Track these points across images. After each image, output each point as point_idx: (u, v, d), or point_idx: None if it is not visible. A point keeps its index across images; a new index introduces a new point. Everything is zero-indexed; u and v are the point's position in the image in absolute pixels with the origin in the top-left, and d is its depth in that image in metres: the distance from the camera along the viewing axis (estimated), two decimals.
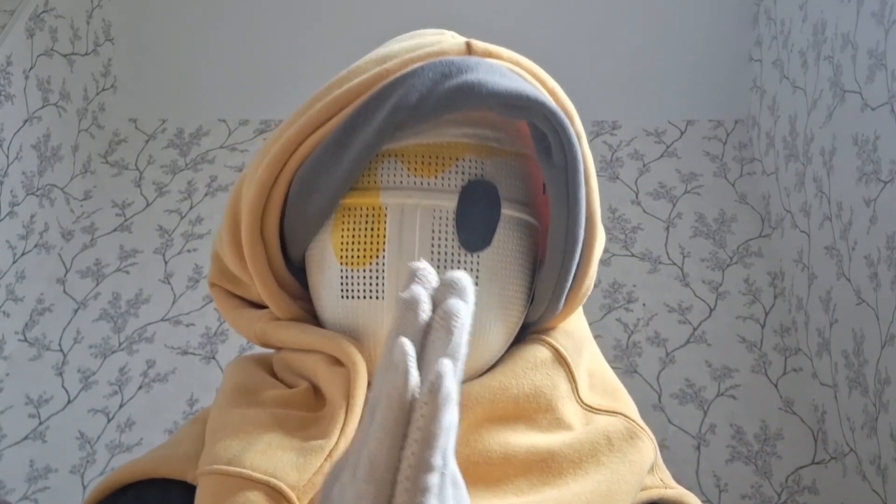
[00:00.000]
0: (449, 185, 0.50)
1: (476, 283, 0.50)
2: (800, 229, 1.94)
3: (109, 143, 2.44)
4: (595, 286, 2.06)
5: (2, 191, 1.95)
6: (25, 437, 1.87)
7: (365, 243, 0.50)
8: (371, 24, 2.25)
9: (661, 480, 0.53)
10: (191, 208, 2.27)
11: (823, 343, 1.78)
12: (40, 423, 1.89)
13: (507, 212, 0.52)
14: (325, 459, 0.45)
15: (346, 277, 0.51)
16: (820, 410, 1.80)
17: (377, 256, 0.50)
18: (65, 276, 2.15)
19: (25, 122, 2.03)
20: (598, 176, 2.28)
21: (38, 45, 2.08)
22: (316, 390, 0.51)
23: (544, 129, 0.48)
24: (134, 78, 2.46)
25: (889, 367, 1.48)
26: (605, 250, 2.13)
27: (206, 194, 2.30)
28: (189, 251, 2.18)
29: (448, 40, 0.54)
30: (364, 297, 0.50)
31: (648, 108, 2.38)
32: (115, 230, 2.24)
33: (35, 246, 2.09)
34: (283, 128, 0.53)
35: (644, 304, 2.03)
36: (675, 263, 2.10)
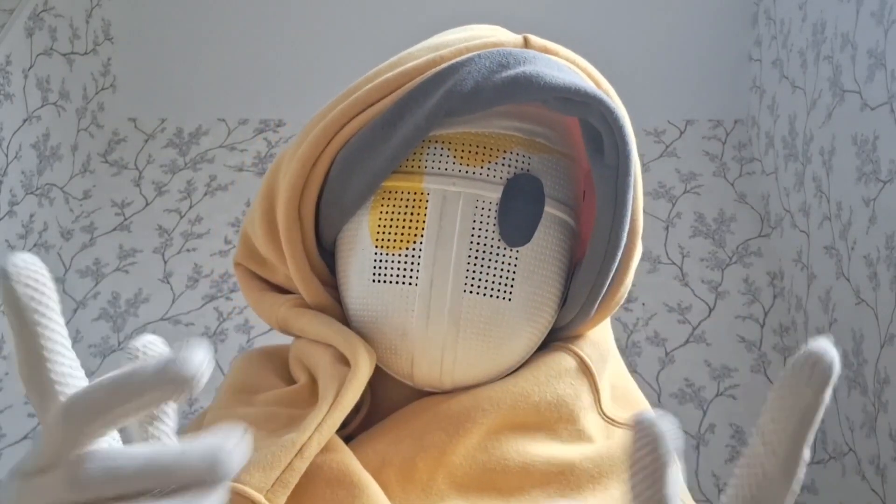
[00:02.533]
0: (495, 176, 0.49)
1: (513, 280, 0.49)
2: (799, 229, 1.94)
3: (109, 142, 2.44)
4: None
5: (1, 190, 1.95)
6: (25, 437, 1.87)
7: (403, 227, 0.49)
8: (371, 24, 2.25)
9: (682, 502, 0.52)
10: (190, 208, 2.27)
11: None
12: (39, 424, 1.89)
13: (549, 210, 0.50)
14: (296, 456, 0.43)
15: (380, 261, 0.49)
16: None
17: (414, 242, 0.48)
18: (64, 275, 2.15)
19: (25, 121, 2.03)
20: None
21: (37, 44, 2.08)
22: (315, 386, 0.50)
23: (599, 126, 0.47)
24: (133, 77, 2.45)
25: (888, 366, 1.48)
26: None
27: (205, 194, 2.30)
28: (188, 251, 2.18)
29: (503, 33, 0.53)
30: (396, 282, 0.49)
31: (648, 107, 2.38)
32: (114, 230, 2.24)
33: (34, 245, 2.09)
34: (328, 107, 0.52)
35: (643, 304, 2.03)
36: (674, 263, 2.10)
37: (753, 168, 2.27)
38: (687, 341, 1.96)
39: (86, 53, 2.30)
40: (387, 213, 0.50)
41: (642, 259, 2.11)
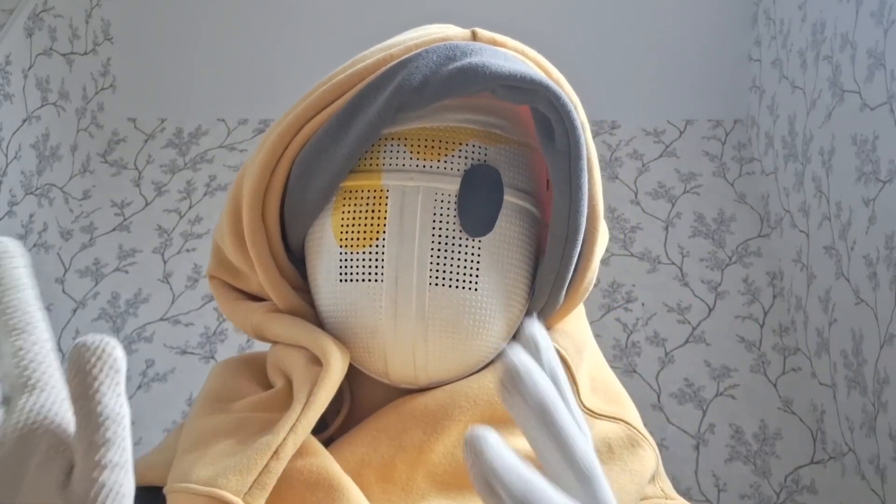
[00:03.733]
0: (452, 168, 0.50)
1: (477, 270, 0.49)
2: (799, 229, 1.94)
3: (108, 142, 2.44)
4: (594, 286, 2.06)
5: (1, 190, 1.95)
6: None
7: (365, 225, 0.49)
8: (371, 24, 2.25)
9: (662, 490, 0.52)
10: (190, 208, 2.27)
11: (822, 343, 1.78)
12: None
13: (509, 198, 0.51)
14: (272, 458, 0.42)
15: (346, 260, 0.50)
16: (819, 410, 1.80)
17: (377, 239, 0.49)
18: (63, 275, 2.15)
19: (24, 121, 2.03)
20: None
21: (36, 44, 2.08)
22: (292, 390, 0.50)
23: (548, 113, 0.48)
24: (133, 77, 2.45)
25: (888, 366, 1.48)
26: (604, 250, 2.13)
27: (205, 194, 2.30)
28: (188, 251, 2.18)
29: (453, 30, 0.54)
30: (363, 280, 0.49)
31: (647, 107, 2.38)
32: (114, 230, 2.24)
33: (34, 245, 2.09)
34: (285, 114, 0.53)
35: (643, 304, 2.03)
36: (674, 263, 2.10)
37: (753, 168, 2.27)
38: (687, 341, 1.96)
39: (85, 53, 2.30)
40: (349, 212, 0.50)
41: (642, 259, 2.11)
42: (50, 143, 2.15)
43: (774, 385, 1.88)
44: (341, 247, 0.50)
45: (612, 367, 1.67)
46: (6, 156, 1.96)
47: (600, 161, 2.32)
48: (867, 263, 1.57)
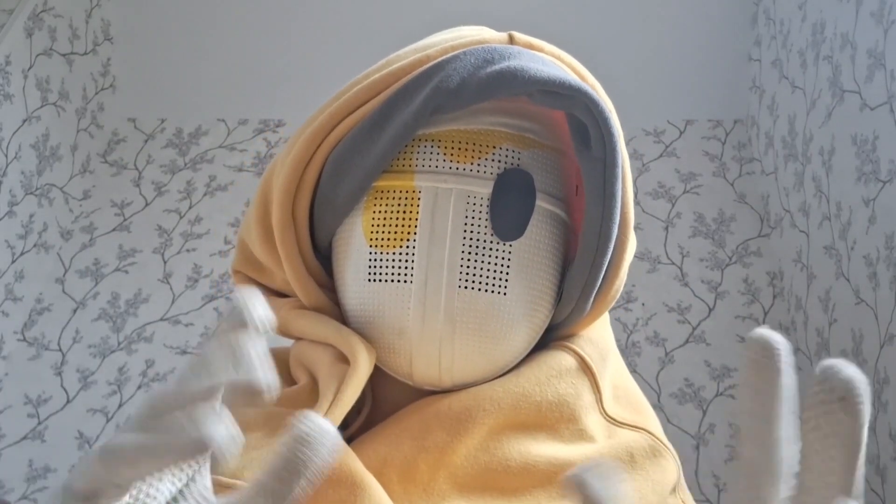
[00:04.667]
0: (485, 171, 0.50)
1: (507, 275, 0.49)
2: (799, 229, 1.94)
3: (108, 142, 2.44)
4: None
5: (1, 190, 1.95)
6: (24, 437, 1.87)
7: (396, 226, 0.49)
8: (371, 25, 2.25)
9: (683, 502, 0.52)
10: (190, 208, 2.27)
11: (822, 343, 1.78)
12: (39, 423, 1.89)
13: (541, 203, 0.51)
14: None
15: (375, 260, 0.49)
16: None
17: (408, 239, 0.49)
18: (64, 275, 2.15)
19: (24, 121, 2.03)
20: None
21: (36, 44, 2.08)
22: (316, 386, 0.50)
23: (585, 119, 0.47)
24: (133, 77, 2.45)
25: (888, 366, 1.48)
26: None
27: (205, 194, 2.30)
28: (188, 251, 2.18)
29: (489, 32, 0.54)
30: (392, 281, 0.49)
31: (647, 107, 2.38)
32: (114, 230, 2.24)
33: (34, 245, 2.09)
34: (318, 111, 0.53)
35: (643, 304, 2.03)
36: (674, 263, 2.10)
37: (753, 168, 2.27)
38: (687, 341, 1.96)
39: (85, 54, 2.30)
40: (380, 212, 0.50)
41: (642, 259, 2.11)
42: (50, 143, 2.15)
43: None
44: (371, 246, 0.50)
45: None
46: (6, 156, 1.96)
47: None
48: (867, 263, 1.57)
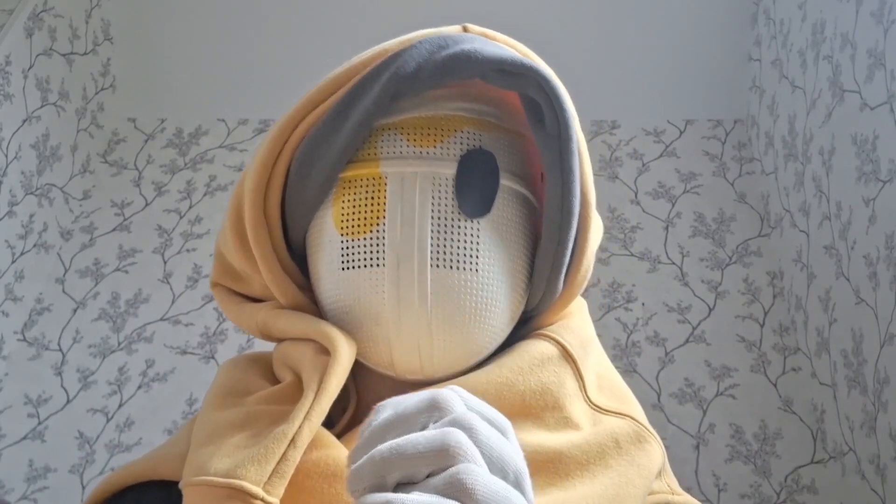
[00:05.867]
0: (448, 153, 0.51)
1: (477, 251, 0.50)
2: (799, 229, 1.94)
3: (108, 142, 2.44)
4: (594, 285, 2.06)
5: (1, 190, 1.95)
6: (24, 437, 1.87)
7: (365, 212, 0.50)
8: (371, 25, 2.24)
9: (669, 486, 0.52)
10: (190, 208, 2.27)
11: (822, 342, 1.78)
12: (39, 423, 1.89)
13: (505, 182, 0.52)
14: (289, 446, 0.43)
15: (347, 247, 0.50)
16: (819, 410, 1.80)
17: (377, 224, 0.50)
18: (64, 275, 2.15)
19: (24, 121, 2.03)
20: (597, 175, 2.28)
21: (36, 44, 2.07)
22: (301, 383, 0.50)
23: (538, 97, 0.49)
24: (133, 77, 2.45)
25: (888, 366, 1.48)
26: (605, 249, 2.13)
27: (205, 194, 2.30)
28: (188, 251, 2.18)
29: (445, 27, 0.55)
30: (365, 266, 0.49)
31: (647, 107, 2.38)
32: (114, 230, 2.24)
33: (34, 245, 2.09)
34: (284, 113, 0.54)
35: (643, 304, 2.03)
36: (674, 263, 2.10)
37: (753, 168, 2.27)
38: (687, 341, 1.96)
39: (85, 54, 2.30)
40: (349, 201, 0.51)
41: (642, 259, 2.11)
42: (50, 143, 2.15)
43: (774, 385, 1.88)
44: (342, 235, 0.51)
45: None
46: (6, 156, 1.96)
47: (601, 161, 2.32)
48: (867, 263, 1.57)
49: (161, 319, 2.06)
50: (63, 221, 2.22)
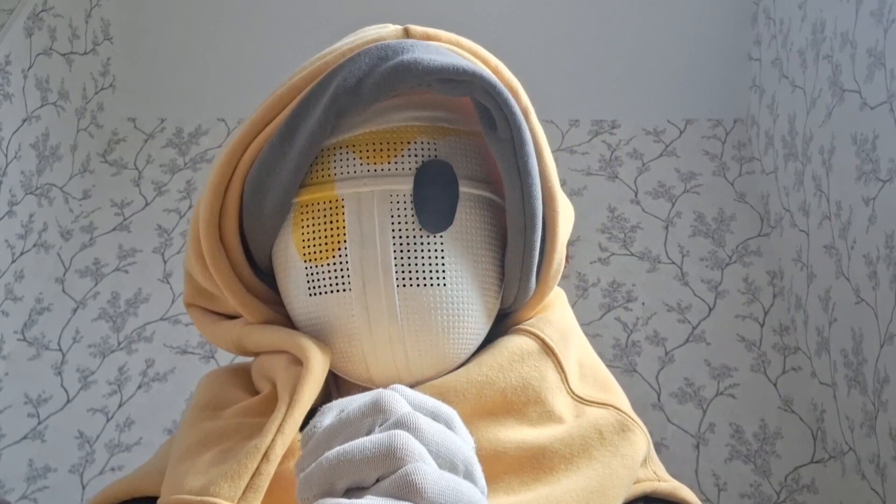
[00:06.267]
0: (403, 168, 0.50)
1: (443, 265, 0.49)
2: (799, 228, 1.94)
3: (108, 142, 2.44)
4: (594, 285, 2.06)
5: (1, 190, 1.95)
6: (24, 437, 1.87)
7: (326, 237, 0.49)
8: (371, 23, 2.24)
9: (655, 473, 0.52)
10: (190, 207, 2.27)
11: (822, 342, 1.78)
12: (39, 423, 1.89)
13: (465, 189, 0.51)
14: (262, 460, 0.43)
15: (312, 274, 0.50)
16: (819, 409, 1.80)
17: (339, 249, 0.49)
18: (64, 275, 2.15)
19: (24, 121, 2.03)
20: (597, 175, 2.28)
21: (36, 44, 2.07)
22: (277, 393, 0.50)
23: (486, 102, 0.48)
24: (133, 77, 2.45)
25: (888, 365, 1.48)
26: (605, 249, 2.13)
27: None
28: None
29: (387, 29, 0.55)
30: (331, 292, 0.49)
31: (647, 107, 2.38)
32: (114, 229, 2.24)
33: (34, 245, 2.09)
34: (231, 135, 0.53)
35: (643, 304, 2.03)
36: (674, 262, 2.10)
37: (753, 167, 2.27)
38: (687, 341, 1.96)
39: (85, 53, 2.30)
40: (308, 227, 0.50)
41: (642, 258, 2.11)
42: (50, 143, 2.15)
43: (774, 384, 1.88)
44: (306, 261, 0.50)
45: (611, 366, 1.67)
46: (6, 156, 1.96)
47: (601, 161, 2.31)
48: (867, 263, 1.57)
49: (161, 319, 2.06)
50: (63, 221, 2.22)
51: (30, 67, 2.05)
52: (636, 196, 2.23)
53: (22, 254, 2.04)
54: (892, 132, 1.50)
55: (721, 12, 2.24)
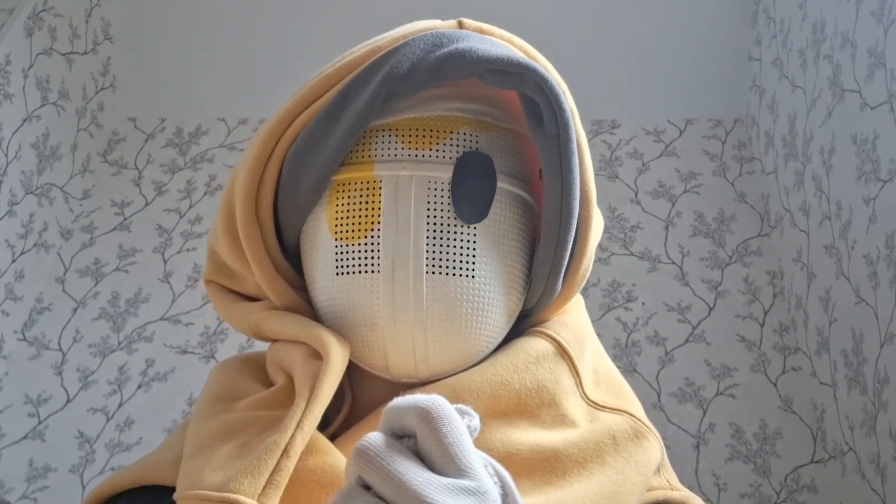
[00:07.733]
0: (444, 156, 0.50)
1: (474, 257, 0.49)
2: (799, 228, 1.94)
3: (108, 142, 2.44)
4: (594, 285, 2.06)
5: (1, 190, 1.95)
6: (25, 437, 1.87)
7: (360, 217, 0.49)
8: (372, 23, 2.24)
9: (668, 482, 0.52)
10: (190, 207, 2.27)
11: (822, 342, 1.78)
12: (39, 423, 1.89)
13: (502, 185, 0.51)
14: (282, 456, 0.42)
15: (342, 253, 0.49)
16: (819, 409, 1.80)
17: (372, 230, 0.48)
18: (64, 275, 2.15)
19: (24, 121, 2.03)
20: (597, 175, 2.28)
21: (36, 44, 2.07)
22: (293, 386, 0.50)
23: (535, 97, 0.47)
24: (133, 77, 2.45)
25: (888, 366, 1.48)
26: (605, 249, 2.13)
27: (205, 193, 2.30)
28: (188, 250, 2.18)
29: (440, 22, 0.54)
30: (360, 272, 0.48)
31: (648, 107, 2.38)
32: (114, 229, 2.24)
33: (34, 245, 2.09)
34: (276, 111, 0.53)
35: (643, 304, 2.03)
36: (674, 262, 2.10)
37: (753, 167, 2.27)
38: (687, 341, 1.96)
39: (85, 53, 2.30)
40: (343, 205, 0.50)
41: (642, 258, 2.11)
42: (50, 143, 2.15)
43: (774, 384, 1.88)
44: (336, 240, 0.50)
45: None
46: (6, 156, 1.96)
47: (601, 161, 2.31)
48: (867, 263, 1.57)
49: (161, 319, 2.06)
50: (63, 221, 2.22)
51: (30, 67, 2.05)
52: (636, 196, 2.23)
53: (22, 253, 2.04)
54: (892, 132, 1.50)
55: (721, 12, 2.24)
